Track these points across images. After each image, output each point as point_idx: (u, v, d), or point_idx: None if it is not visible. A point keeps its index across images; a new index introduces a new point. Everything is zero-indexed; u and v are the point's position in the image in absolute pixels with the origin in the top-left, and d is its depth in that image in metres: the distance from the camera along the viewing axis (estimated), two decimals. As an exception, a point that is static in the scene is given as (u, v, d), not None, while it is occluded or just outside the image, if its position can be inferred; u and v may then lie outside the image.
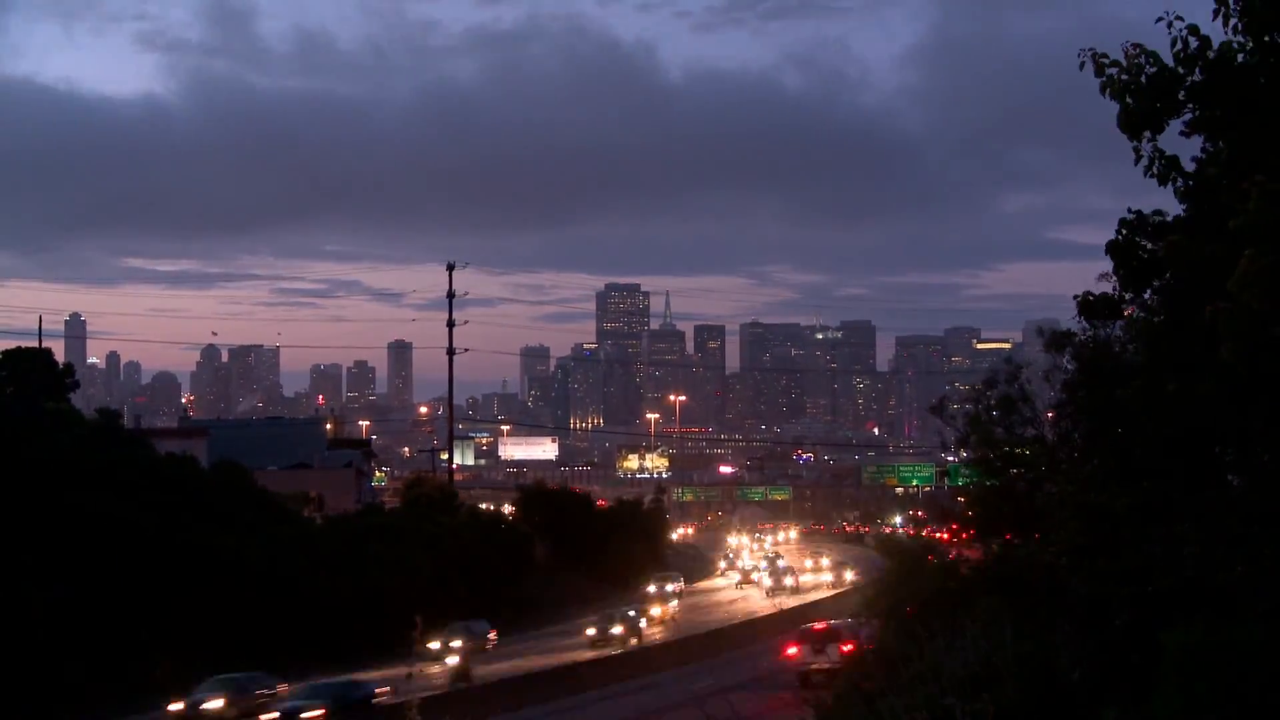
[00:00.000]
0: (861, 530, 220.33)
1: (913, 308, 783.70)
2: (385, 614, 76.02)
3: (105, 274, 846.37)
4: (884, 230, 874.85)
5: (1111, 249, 14.34)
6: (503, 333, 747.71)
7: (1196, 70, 13.13)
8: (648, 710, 55.04)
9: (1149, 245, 14.11)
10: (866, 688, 22.43)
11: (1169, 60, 13.27)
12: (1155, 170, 13.52)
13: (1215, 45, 13.13)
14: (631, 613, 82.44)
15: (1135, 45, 13.42)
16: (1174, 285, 14.47)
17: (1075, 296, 15.62)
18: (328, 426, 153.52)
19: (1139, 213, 14.19)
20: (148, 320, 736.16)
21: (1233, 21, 12.92)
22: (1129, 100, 13.29)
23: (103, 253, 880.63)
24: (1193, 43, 13.10)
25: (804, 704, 25.50)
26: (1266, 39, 12.89)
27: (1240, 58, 13.01)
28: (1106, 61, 13.43)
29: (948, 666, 19.07)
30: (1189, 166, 13.71)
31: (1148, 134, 13.47)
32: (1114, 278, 14.81)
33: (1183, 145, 13.80)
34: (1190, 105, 13.36)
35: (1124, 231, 14.16)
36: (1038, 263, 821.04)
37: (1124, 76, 13.32)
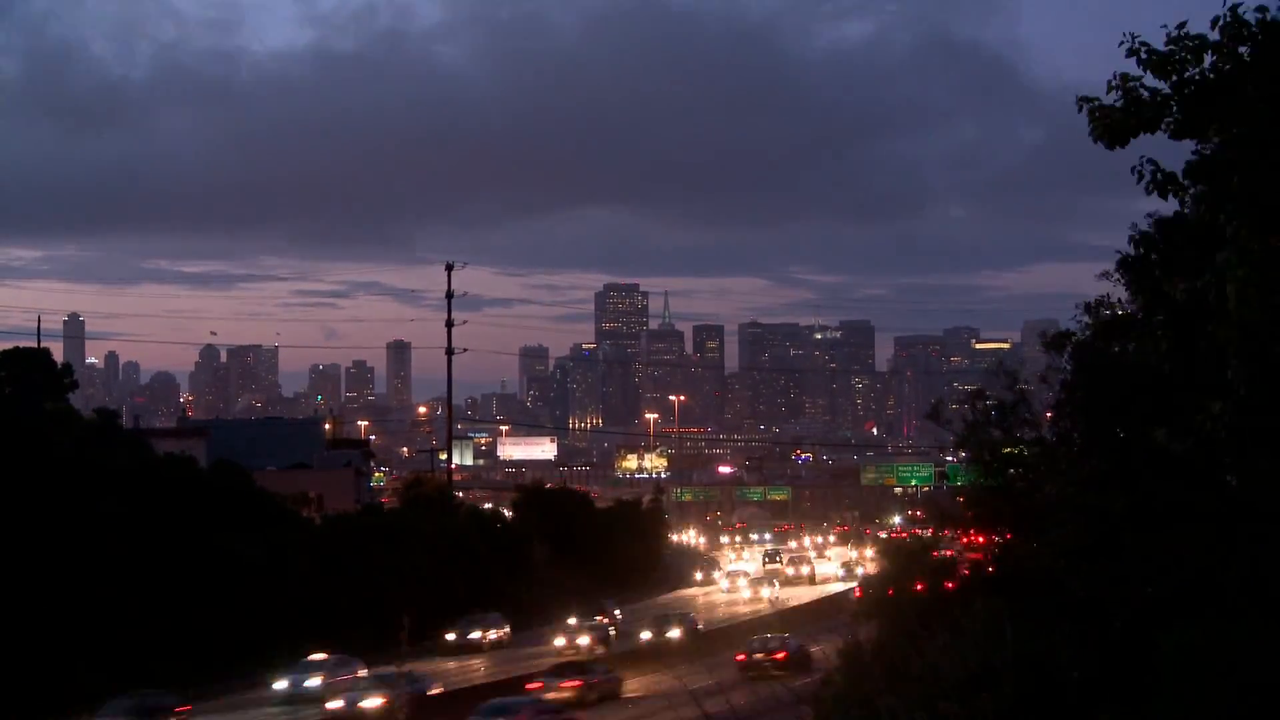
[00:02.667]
0: (864, 532, 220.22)
1: (937, 309, 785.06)
2: (384, 614, 76.09)
3: (127, 274, 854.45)
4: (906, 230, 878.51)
5: (1124, 266, 14.39)
6: (502, 333, 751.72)
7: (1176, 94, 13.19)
8: None
9: (1161, 262, 14.16)
10: (866, 688, 22.42)
11: (1152, 80, 13.38)
12: (1154, 186, 13.57)
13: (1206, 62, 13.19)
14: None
15: (1121, 74, 13.50)
16: (1181, 306, 14.49)
17: (1086, 304, 15.62)
18: (326, 426, 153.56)
19: (1152, 223, 14.22)
20: (163, 321, 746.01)
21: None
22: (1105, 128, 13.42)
23: (126, 254, 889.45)
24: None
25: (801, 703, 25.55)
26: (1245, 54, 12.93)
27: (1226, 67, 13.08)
28: (1089, 101, 13.62)
29: (947, 667, 19.06)
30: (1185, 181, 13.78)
31: (1139, 150, 13.54)
32: (1119, 278, 14.82)
33: (1182, 148, 13.85)
34: (1167, 122, 13.42)
35: (1140, 249, 14.21)
36: (1063, 264, 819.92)
37: (1106, 120, 13.48)
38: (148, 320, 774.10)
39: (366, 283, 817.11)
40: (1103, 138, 13.46)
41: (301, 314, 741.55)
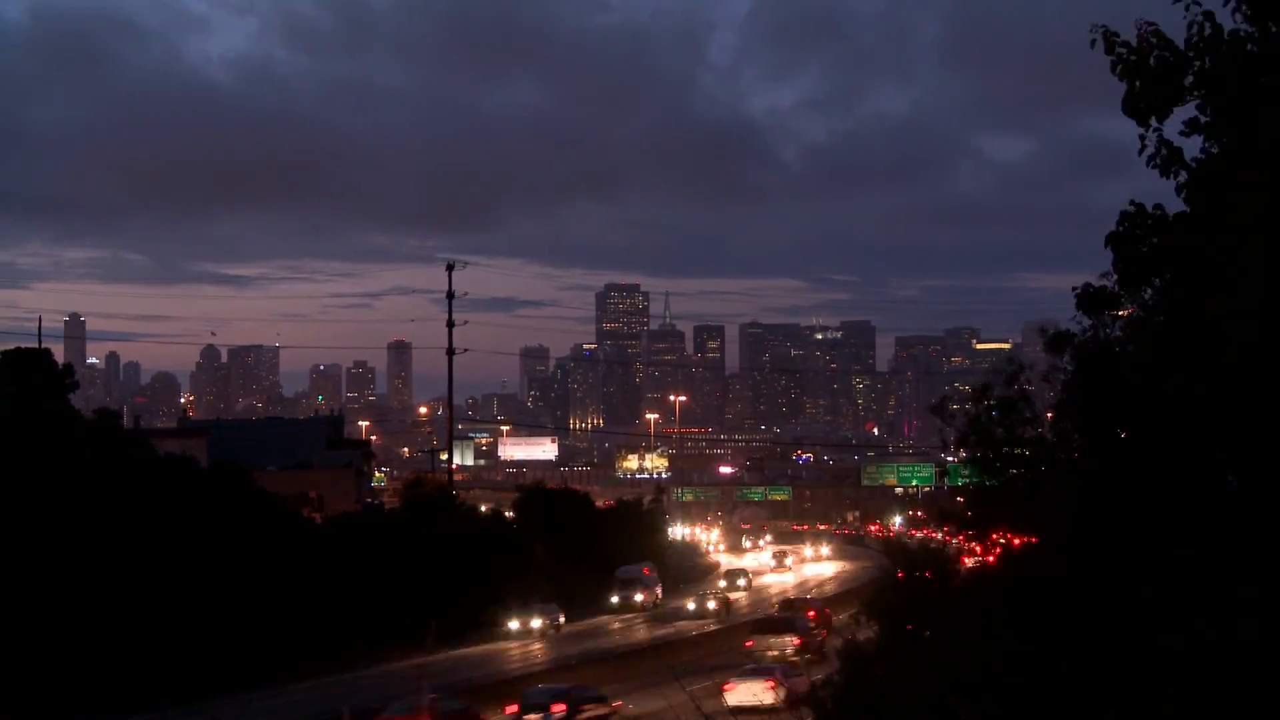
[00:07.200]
0: (861, 532, 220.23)
1: (977, 309, 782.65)
2: (385, 614, 76.06)
3: (171, 275, 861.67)
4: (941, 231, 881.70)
5: (1111, 241, 14.22)
6: (504, 333, 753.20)
7: (1206, 58, 12.98)
8: None
9: (1150, 239, 13.99)
10: (867, 689, 22.39)
11: (1180, 43, 13.11)
12: (1158, 161, 13.40)
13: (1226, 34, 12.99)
14: None
15: (1149, 24, 13.25)
16: (1174, 280, 14.37)
17: (1074, 288, 15.51)
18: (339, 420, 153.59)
19: (1140, 205, 14.07)
20: (186, 324, 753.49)
21: (1243, 8, 12.80)
22: (1136, 83, 13.14)
23: (176, 255, 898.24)
24: (1206, 29, 12.93)
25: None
26: (1273, 28, 12.76)
27: (1250, 47, 12.88)
28: (1118, 40, 13.25)
29: (947, 668, 19.02)
30: (1192, 162, 13.60)
31: (1153, 121, 13.33)
32: (1113, 274, 14.72)
33: (1186, 141, 13.70)
34: (1197, 92, 13.19)
35: (1124, 224, 14.03)
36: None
37: (1133, 58, 13.14)
38: (176, 323, 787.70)
39: (403, 285, 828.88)
40: (1128, 111, 13.25)
41: (339, 315, 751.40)
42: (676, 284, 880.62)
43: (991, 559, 23.89)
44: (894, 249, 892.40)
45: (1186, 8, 12.88)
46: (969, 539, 25.73)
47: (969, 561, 26.38)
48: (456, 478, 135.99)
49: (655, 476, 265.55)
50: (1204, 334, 12.66)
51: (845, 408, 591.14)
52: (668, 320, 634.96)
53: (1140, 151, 13.35)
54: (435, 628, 62.45)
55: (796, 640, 60.46)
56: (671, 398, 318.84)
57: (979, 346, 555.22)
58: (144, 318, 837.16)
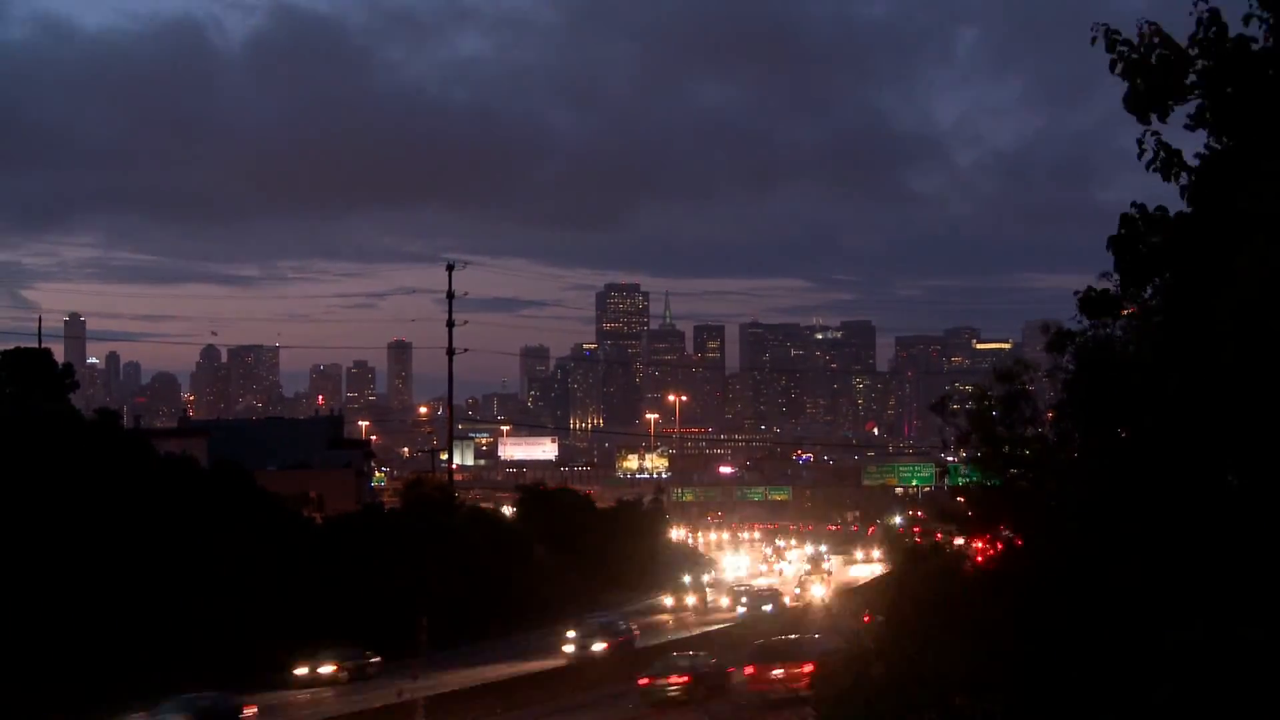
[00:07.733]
0: (856, 529, 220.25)
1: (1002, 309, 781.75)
2: (385, 615, 76.02)
3: (169, 274, 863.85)
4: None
5: (1113, 244, 14.23)
6: (504, 332, 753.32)
7: (1208, 56, 12.98)
8: None
9: (1151, 240, 13.99)
10: (868, 688, 22.37)
11: (1183, 40, 13.11)
12: (1158, 164, 13.40)
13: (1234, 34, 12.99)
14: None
15: (1150, 24, 13.25)
16: (1175, 280, 14.38)
17: (1076, 293, 15.51)
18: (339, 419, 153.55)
19: (1141, 207, 14.07)
20: (191, 324, 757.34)
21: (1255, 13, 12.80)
22: (1138, 81, 13.14)
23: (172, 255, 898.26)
24: (1212, 29, 12.93)
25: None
26: None
27: (1255, 45, 12.87)
28: (1119, 39, 13.26)
29: (948, 666, 19.03)
30: (1192, 162, 13.61)
31: (1154, 117, 13.32)
32: (1115, 276, 14.72)
33: (1186, 140, 13.71)
34: (1198, 91, 13.19)
35: (1126, 227, 14.04)
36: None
37: (1134, 56, 13.15)
38: (177, 323, 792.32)
39: (409, 285, 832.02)
40: (1130, 108, 13.25)
41: (342, 315, 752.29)
42: (680, 284, 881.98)
43: (990, 557, 23.90)
44: (901, 249, 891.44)
45: (1194, 3, 12.89)
46: (969, 540, 25.72)
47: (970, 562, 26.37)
48: (456, 478, 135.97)
49: (655, 476, 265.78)
50: (1204, 332, 12.66)
51: (845, 408, 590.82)
52: (668, 320, 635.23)
53: (1140, 155, 13.36)
54: (425, 626, 62.18)
55: None
56: (671, 398, 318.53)
57: (979, 346, 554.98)
58: (144, 317, 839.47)
